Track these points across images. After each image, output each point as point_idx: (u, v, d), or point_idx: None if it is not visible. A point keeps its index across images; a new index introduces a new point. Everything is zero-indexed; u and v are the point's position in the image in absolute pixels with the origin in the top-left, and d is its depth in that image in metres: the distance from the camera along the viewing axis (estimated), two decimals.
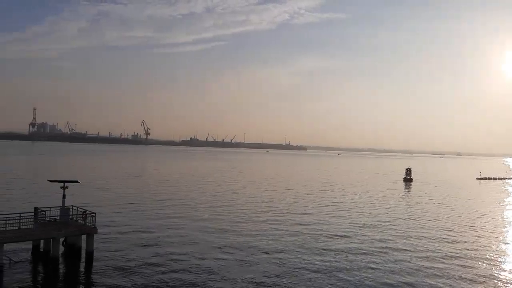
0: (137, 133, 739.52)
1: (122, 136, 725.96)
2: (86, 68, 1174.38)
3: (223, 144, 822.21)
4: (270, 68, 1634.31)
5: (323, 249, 42.76)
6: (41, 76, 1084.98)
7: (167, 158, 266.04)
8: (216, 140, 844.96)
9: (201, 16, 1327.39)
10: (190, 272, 33.78)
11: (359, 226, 55.95)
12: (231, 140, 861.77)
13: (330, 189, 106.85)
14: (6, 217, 33.45)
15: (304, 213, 65.44)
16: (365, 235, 50.33)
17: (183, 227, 50.70)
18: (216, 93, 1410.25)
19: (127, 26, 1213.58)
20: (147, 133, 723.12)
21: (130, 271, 33.29)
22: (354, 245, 44.76)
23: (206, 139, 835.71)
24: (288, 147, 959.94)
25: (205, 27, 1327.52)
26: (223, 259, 37.71)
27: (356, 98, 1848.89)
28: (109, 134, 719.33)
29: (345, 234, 50.67)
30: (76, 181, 40.19)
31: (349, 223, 58.40)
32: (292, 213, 64.80)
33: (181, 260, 36.84)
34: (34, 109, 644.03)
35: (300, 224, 55.78)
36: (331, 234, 50.04)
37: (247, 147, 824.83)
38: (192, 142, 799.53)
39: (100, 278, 31.77)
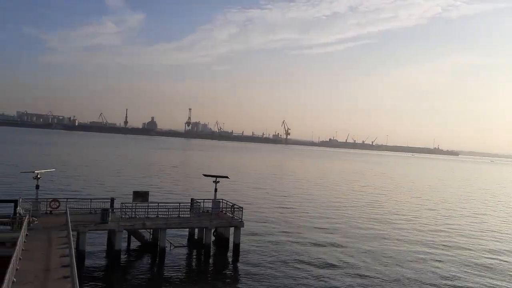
0: (278, 133, 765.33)
1: (264, 136, 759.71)
2: (235, 71, 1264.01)
3: (363, 146, 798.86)
4: (417, 66, 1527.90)
5: None
6: (196, 79, 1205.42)
7: (308, 158, 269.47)
8: (356, 141, 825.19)
9: (345, 15, 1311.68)
10: (333, 274, 33.42)
11: None
12: (372, 142, 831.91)
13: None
14: (169, 206, 37.72)
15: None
16: None
17: (327, 228, 50.47)
18: (357, 93, 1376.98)
19: (272, 30, 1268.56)
20: (287, 133, 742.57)
21: (273, 267, 34.45)
22: None
23: (346, 140, 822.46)
24: (436, 151, 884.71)
25: (348, 26, 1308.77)
26: (377, 271, 36.35)
27: None
28: (252, 133, 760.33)
29: None
30: (226, 177, 43.09)
31: None
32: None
33: (322, 260, 36.70)
34: (190, 109, 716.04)
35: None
36: None
37: (389, 150, 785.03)
38: (331, 143, 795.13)
39: (246, 268, 33.64)
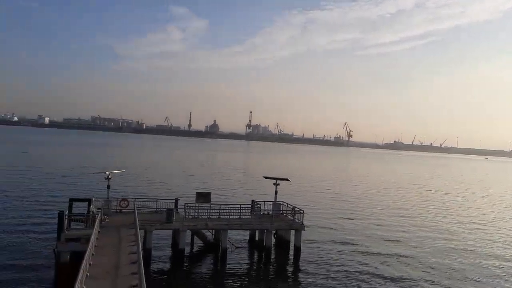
0: (339, 135, 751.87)
1: (325, 138, 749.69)
2: (296, 73, 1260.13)
3: (430, 149, 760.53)
4: (490, 64, 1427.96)
5: None
6: (257, 82, 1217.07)
7: (372, 161, 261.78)
8: (423, 144, 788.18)
9: (411, 12, 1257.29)
10: (399, 281, 32.09)
11: None
12: (440, 145, 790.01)
13: None
14: (230, 207, 38.33)
15: None
16: None
17: (392, 237, 48.26)
18: (424, 93, 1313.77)
19: (333, 31, 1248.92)
20: (349, 135, 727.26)
21: (334, 274, 33.74)
22: None
23: (412, 142, 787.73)
24: None
25: (414, 24, 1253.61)
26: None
27: None
28: (313, 135, 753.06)
29: None
30: (287, 179, 43.02)
31: None
32: None
33: (387, 271, 35.34)
34: (250, 112, 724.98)
35: None
36: None
37: (460, 153, 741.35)
38: (396, 146, 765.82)
39: (307, 273, 33.27)
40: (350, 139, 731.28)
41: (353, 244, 43.04)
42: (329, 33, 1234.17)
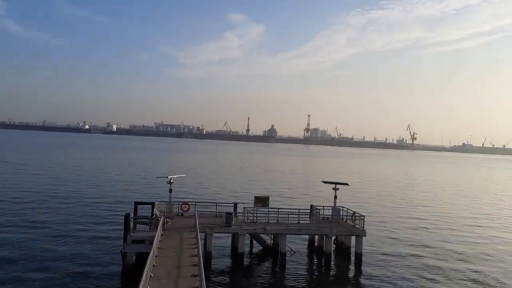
0: (403, 138, 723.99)
1: (387, 141, 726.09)
2: (355, 75, 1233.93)
3: (505, 151, 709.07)
4: None
5: None
6: (315, 86, 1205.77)
7: (439, 164, 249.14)
8: (495, 146, 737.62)
9: (478, 7, 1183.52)
10: None
11: None
12: None
13: None
14: (289, 212, 38.12)
15: None
16: None
17: (462, 249, 44.71)
18: (495, 92, 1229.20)
19: (394, 30, 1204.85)
20: (413, 138, 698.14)
21: (398, 281, 32.35)
22: None
23: (483, 144, 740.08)
24: None
25: (482, 19, 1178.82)
26: None
27: None
28: (374, 138, 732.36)
29: None
30: (346, 184, 42.02)
31: None
32: None
33: (457, 284, 33.27)
34: (308, 116, 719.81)
35: None
36: None
37: None
38: (465, 148, 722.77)
39: (368, 280, 32.19)
40: (414, 141, 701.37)
41: (418, 254, 40.59)
42: (390, 32, 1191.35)
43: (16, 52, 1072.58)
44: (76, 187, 72.31)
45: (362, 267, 35.10)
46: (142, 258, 28.45)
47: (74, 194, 65.09)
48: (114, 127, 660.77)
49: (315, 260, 37.71)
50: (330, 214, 39.52)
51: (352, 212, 38.64)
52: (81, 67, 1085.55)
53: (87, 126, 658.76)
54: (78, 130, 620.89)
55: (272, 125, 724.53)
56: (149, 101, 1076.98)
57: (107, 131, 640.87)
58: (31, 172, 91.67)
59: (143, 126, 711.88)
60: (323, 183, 43.92)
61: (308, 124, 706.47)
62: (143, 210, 38.19)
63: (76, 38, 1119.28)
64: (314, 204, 43.24)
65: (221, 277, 31.79)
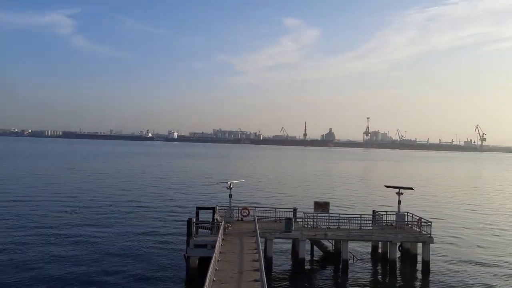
0: (471, 139, 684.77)
1: (453, 143, 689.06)
2: (415, 75, 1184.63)
3: None
4: None
5: None
6: (374, 87, 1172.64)
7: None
8: None
9: None
10: None
11: None
12: None
13: None
14: (350, 217, 37.14)
15: None
16: None
17: None
18: None
19: (459, 26, 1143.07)
20: (483, 139, 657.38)
21: None
22: None
23: None
24: None
25: None
26: None
27: None
28: (439, 140, 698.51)
29: None
30: (411, 188, 40.25)
31: None
32: None
33: None
34: (368, 118, 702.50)
35: None
36: None
37: None
38: None
39: None
40: (484, 143, 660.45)
41: (491, 263, 37.64)
42: (453, 29, 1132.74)
43: (84, 66, 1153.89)
44: (139, 192, 75.55)
45: (430, 276, 33.30)
46: (204, 262, 29.00)
47: (138, 198, 68.03)
48: (175, 135, 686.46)
49: (379, 268, 36.33)
50: (394, 220, 38.04)
51: (417, 217, 36.89)
52: (140, 77, 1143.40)
53: (150, 134, 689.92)
54: (142, 138, 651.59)
55: (330, 129, 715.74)
56: (207, 108, 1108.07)
57: (168, 138, 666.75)
58: (100, 178, 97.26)
59: (202, 133, 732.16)
60: (385, 187, 42.51)
61: (368, 127, 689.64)
62: (204, 215, 38.99)
63: (136, 50, 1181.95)
64: (377, 210, 41.85)
65: (283, 282, 31.56)
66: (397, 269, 35.02)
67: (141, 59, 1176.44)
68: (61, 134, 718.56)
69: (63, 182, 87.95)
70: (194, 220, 33.21)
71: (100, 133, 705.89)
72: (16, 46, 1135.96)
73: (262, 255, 25.99)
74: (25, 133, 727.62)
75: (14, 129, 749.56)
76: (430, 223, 35.24)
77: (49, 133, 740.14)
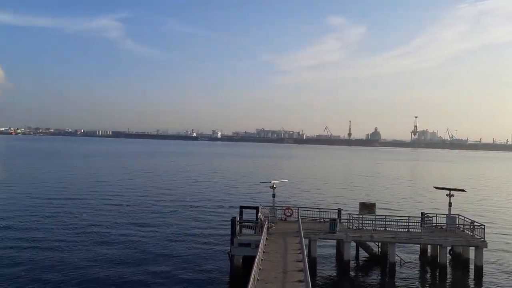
0: None
1: (509, 142, 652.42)
2: (467, 71, 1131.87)
3: None
4: None
5: None
6: (422, 85, 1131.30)
7: None
8: None
9: None
10: None
11: None
12: None
13: None
14: (398, 219, 36.07)
15: None
16: None
17: None
18: None
19: None
20: None
21: None
22: None
23: None
24: None
25: None
26: None
27: None
28: (493, 140, 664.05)
29: None
30: (462, 190, 38.54)
31: None
32: None
33: None
34: (415, 117, 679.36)
35: None
36: None
37: None
38: None
39: None
40: None
41: None
42: (509, 23, 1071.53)
43: (133, 68, 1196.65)
44: (184, 191, 77.17)
45: (483, 282, 31.71)
46: (248, 260, 29.16)
47: (182, 197, 69.48)
48: (219, 134, 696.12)
49: (428, 272, 35.01)
50: (444, 222, 36.59)
51: (470, 220, 35.23)
52: (185, 79, 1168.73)
53: (194, 134, 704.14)
54: (187, 137, 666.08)
55: (376, 128, 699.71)
56: (251, 108, 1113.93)
57: (212, 138, 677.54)
58: (145, 177, 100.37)
59: (245, 132, 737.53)
60: (435, 189, 41.00)
61: (415, 126, 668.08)
62: (247, 214, 39.20)
63: (182, 52, 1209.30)
64: (426, 212, 40.39)
65: (327, 283, 31.16)
66: (448, 274, 33.55)
67: (186, 60, 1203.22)
68: (111, 133, 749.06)
69: (113, 182, 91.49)
70: (238, 219, 33.48)
71: (147, 133, 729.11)
72: (73, 50, 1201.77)
73: (306, 255, 25.78)
74: (78, 133, 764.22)
75: (68, 129, 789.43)
76: (483, 227, 33.58)
77: (100, 133, 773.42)
